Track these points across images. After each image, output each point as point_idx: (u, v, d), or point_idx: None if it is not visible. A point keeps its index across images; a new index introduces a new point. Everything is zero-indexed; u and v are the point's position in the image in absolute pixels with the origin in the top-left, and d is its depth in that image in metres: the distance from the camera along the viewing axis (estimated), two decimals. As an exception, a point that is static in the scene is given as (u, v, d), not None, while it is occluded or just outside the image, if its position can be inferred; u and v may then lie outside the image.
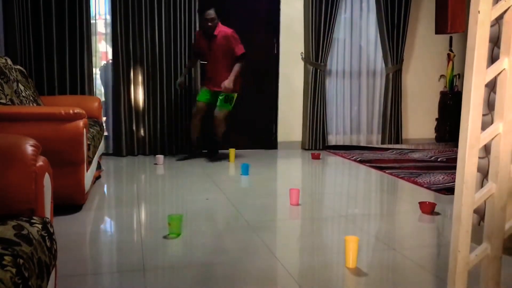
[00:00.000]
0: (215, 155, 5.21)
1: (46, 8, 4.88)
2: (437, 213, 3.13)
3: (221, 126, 4.99)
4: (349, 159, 5.27)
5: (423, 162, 5.03)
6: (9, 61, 3.51)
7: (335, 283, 2.08)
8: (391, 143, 6.17)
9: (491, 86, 2.33)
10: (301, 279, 2.09)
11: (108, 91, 5.37)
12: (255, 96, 5.82)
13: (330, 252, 2.46)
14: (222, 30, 4.77)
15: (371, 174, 4.52)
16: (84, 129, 2.99)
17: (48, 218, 1.49)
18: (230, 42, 4.75)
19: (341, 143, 6.10)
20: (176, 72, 5.33)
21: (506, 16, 1.62)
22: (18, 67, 3.82)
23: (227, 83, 4.72)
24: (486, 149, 2.37)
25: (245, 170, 4.30)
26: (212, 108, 4.97)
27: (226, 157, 5.09)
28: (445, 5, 5.51)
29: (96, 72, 5.36)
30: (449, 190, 3.68)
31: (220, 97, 4.86)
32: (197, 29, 5.27)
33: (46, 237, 1.37)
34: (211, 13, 4.72)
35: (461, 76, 6.36)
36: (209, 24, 4.74)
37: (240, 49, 4.80)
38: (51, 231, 1.44)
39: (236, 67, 4.80)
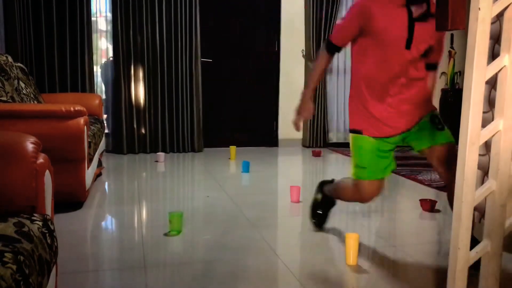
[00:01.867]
0: None
1: (47, 6, 4.88)
2: (438, 211, 3.13)
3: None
4: (349, 156, 5.26)
5: (424, 159, 5.01)
6: (10, 59, 3.51)
7: (335, 280, 2.08)
8: (392, 141, 6.16)
9: (492, 83, 2.32)
10: (301, 276, 2.09)
11: (109, 89, 5.38)
12: (256, 94, 5.82)
13: (330, 249, 2.46)
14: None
15: (371, 171, 4.51)
16: (85, 127, 2.99)
17: (48, 215, 1.49)
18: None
19: (342, 141, 6.10)
20: (176, 70, 5.33)
21: (507, 13, 1.62)
22: (19, 64, 3.82)
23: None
24: (487, 146, 2.37)
25: (246, 168, 4.30)
26: None
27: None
28: (445, 2, 5.49)
29: (97, 70, 5.36)
30: (450, 188, 3.68)
31: (433, 123, 2.36)
32: (197, 27, 5.24)
33: (47, 234, 1.37)
34: None
35: (462, 73, 6.35)
36: None
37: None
38: (52, 228, 1.44)
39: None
